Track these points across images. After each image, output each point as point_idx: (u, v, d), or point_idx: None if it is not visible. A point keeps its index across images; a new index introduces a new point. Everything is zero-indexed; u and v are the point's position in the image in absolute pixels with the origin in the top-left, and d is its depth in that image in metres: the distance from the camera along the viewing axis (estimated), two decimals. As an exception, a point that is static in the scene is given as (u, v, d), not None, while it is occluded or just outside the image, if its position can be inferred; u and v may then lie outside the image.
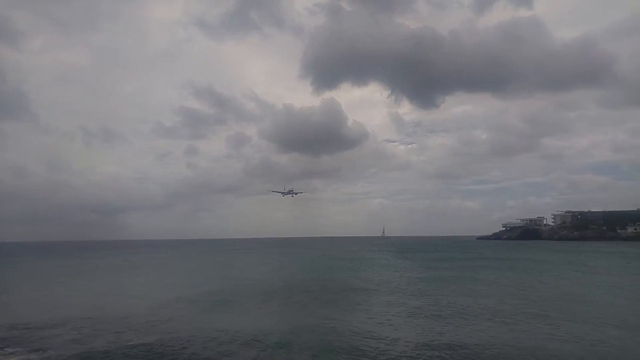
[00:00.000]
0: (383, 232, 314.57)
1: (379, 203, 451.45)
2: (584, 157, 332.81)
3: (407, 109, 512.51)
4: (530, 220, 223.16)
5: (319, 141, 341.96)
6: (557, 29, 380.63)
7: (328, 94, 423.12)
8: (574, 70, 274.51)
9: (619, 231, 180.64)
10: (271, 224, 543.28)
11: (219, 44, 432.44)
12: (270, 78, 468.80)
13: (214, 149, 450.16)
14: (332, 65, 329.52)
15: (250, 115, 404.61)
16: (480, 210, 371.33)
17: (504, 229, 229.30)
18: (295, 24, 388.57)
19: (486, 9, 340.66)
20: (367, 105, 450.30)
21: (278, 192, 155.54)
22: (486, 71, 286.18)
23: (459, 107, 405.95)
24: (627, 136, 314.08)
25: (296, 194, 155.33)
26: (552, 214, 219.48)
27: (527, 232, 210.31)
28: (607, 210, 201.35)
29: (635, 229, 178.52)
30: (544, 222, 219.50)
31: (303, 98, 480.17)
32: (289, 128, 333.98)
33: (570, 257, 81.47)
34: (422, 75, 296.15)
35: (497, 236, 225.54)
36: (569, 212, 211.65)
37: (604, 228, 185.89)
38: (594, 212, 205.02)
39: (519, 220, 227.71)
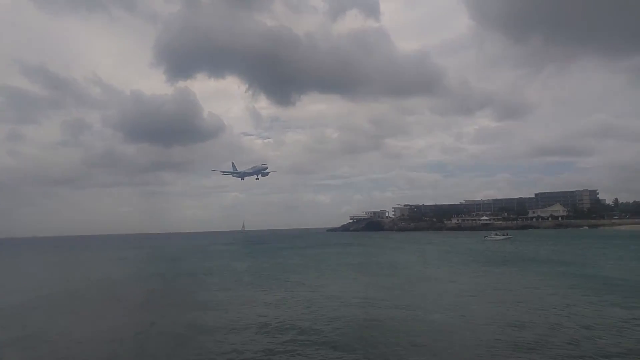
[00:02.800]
0: (243, 226, 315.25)
1: (235, 197, 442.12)
2: (420, 157, 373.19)
3: (264, 104, 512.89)
4: (374, 212, 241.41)
5: (172, 132, 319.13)
6: (400, 41, 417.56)
7: (182, 84, 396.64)
8: (413, 79, 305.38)
9: (445, 222, 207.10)
10: (117, 220, 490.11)
11: (54, 19, 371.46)
12: (118, 63, 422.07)
13: (46, 135, 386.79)
14: (187, 55, 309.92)
15: (93, 100, 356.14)
16: (331, 204, 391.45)
17: (351, 221, 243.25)
18: (149, 9, 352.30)
19: (339, 16, 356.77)
20: (224, 98, 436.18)
21: (228, 172, 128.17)
22: (338, 74, 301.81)
23: (313, 105, 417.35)
24: (453, 140, 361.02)
25: (264, 172, 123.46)
26: (392, 207, 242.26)
27: (372, 224, 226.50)
28: (437, 204, 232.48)
29: (458, 220, 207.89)
30: (386, 214, 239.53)
31: (155, 86, 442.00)
32: (138, 116, 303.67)
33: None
34: (279, 72, 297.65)
35: (345, 228, 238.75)
36: (407, 205, 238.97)
37: (434, 220, 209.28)
38: (427, 205, 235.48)
39: (364, 213, 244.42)
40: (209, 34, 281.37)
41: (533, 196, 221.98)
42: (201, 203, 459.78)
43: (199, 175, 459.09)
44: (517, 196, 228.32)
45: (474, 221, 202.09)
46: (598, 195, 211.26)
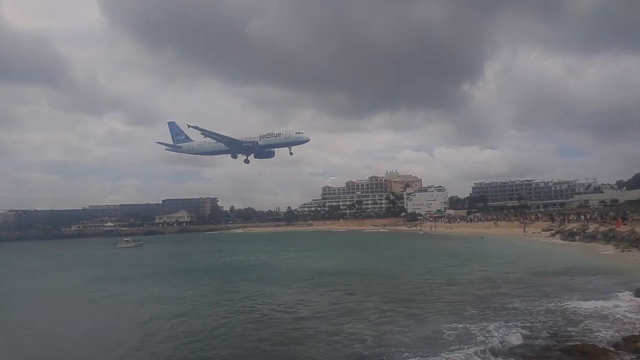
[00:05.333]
0: None
1: None
2: (36, 155, 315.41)
3: None
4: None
5: None
6: (16, 17, 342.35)
7: None
8: (28, 65, 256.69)
9: (63, 229, 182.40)
10: None
11: None
12: None
13: None
14: None
15: None
16: None
17: None
18: None
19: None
20: None
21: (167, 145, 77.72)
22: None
23: None
24: (77, 139, 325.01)
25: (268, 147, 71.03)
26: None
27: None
28: (54, 209, 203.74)
29: (78, 227, 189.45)
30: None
31: None
32: None
33: None
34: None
35: None
36: (12, 210, 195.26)
37: (50, 227, 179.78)
38: (40, 211, 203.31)
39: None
40: None
41: (160, 202, 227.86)
42: None
43: None
44: (145, 202, 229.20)
45: (98, 227, 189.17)
46: (218, 203, 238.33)
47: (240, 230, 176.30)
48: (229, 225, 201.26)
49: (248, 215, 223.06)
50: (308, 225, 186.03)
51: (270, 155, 71.80)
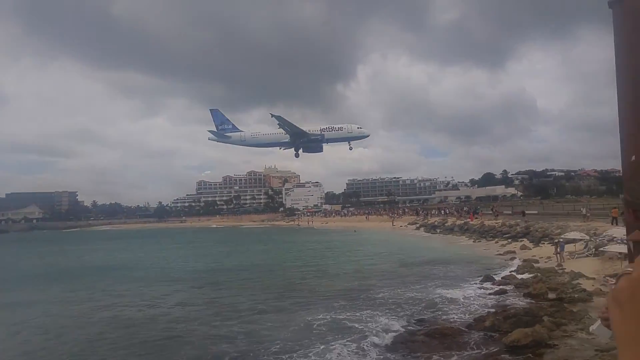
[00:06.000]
0: None
1: None
2: None
3: None
4: None
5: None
6: None
7: None
8: None
9: None
10: None
11: None
12: None
13: None
14: None
15: None
16: None
17: None
18: None
19: None
20: None
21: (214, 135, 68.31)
22: None
23: None
24: None
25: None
26: None
27: None
28: None
29: None
30: None
31: None
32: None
33: None
34: None
35: None
36: None
37: None
38: None
39: None
40: None
41: (4, 196, 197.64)
42: None
43: None
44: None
45: None
46: (77, 197, 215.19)
47: (105, 227, 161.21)
48: (90, 222, 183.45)
49: (113, 211, 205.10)
50: (181, 222, 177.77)
51: (320, 150, 68.04)
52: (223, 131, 68.92)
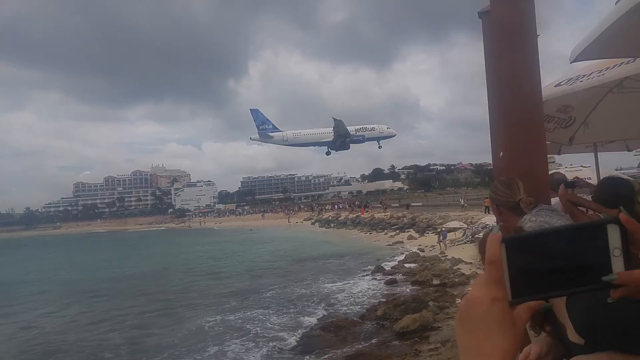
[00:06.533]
0: None
1: None
2: None
3: None
4: None
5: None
6: None
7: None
8: None
9: None
10: None
11: None
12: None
13: None
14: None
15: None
16: None
17: None
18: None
19: None
20: None
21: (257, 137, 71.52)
22: None
23: None
24: None
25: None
26: None
27: None
28: None
29: None
30: None
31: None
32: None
33: None
34: None
35: None
36: None
37: None
38: None
39: None
40: None
41: None
42: None
43: None
44: None
45: None
46: None
47: None
48: None
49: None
50: (55, 229, 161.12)
51: (347, 148, 71.10)
52: (265, 131, 68.63)
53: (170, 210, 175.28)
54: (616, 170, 25.99)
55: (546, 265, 0.63)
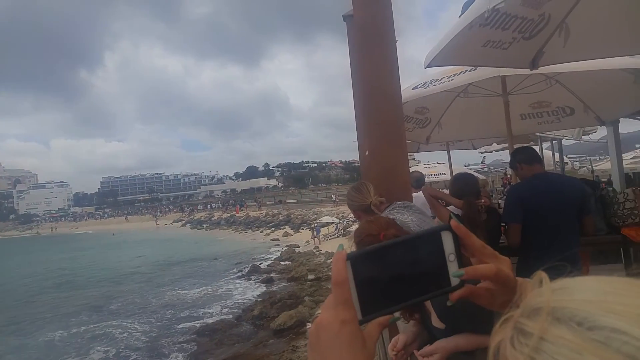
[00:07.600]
0: None
1: None
2: None
3: None
4: None
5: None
6: None
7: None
8: None
9: None
10: None
11: None
12: None
13: None
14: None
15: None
16: None
17: None
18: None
19: None
20: None
21: None
22: None
23: None
24: None
25: None
26: None
27: None
28: None
29: None
30: None
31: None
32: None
33: None
34: None
35: None
36: None
37: None
38: None
39: None
40: None
41: None
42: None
43: None
44: None
45: None
46: None
47: None
48: None
49: None
50: None
51: None
52: None
53: (12, 216, 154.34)
54: (465, 166, 29.41)
55: (390, 277, 0.64)
